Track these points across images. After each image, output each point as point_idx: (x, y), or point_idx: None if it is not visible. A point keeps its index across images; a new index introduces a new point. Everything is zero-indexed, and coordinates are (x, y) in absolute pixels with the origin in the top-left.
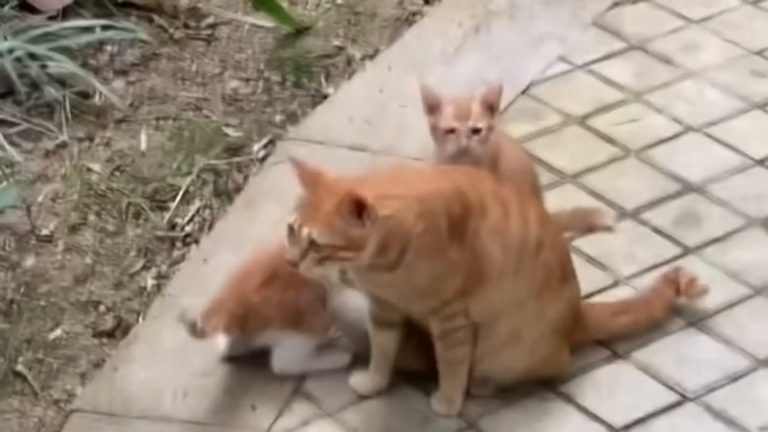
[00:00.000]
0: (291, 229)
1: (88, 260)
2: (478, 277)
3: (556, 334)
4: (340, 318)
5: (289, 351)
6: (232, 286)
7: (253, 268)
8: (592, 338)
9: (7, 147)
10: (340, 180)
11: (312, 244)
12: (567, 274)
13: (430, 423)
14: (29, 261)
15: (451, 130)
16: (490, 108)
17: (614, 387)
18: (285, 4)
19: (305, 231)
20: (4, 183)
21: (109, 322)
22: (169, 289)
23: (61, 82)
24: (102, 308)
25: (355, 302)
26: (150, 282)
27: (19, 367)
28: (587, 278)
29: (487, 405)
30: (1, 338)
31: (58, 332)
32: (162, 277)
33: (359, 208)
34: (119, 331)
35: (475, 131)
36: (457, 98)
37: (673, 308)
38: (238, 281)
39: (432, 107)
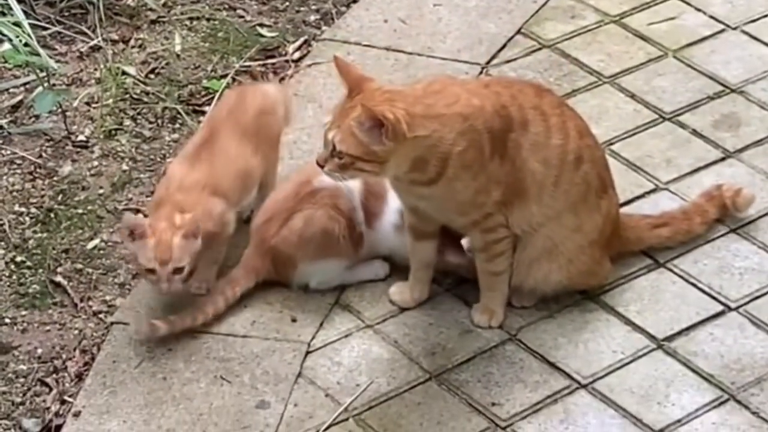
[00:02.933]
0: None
1: (125, 166)
2: (518, 190)
3: (594, 247)
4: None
5: (322, 274)
6: (252, 240)
7: (270, 213)
8: (630, 250)
9: (42, 52)
10: (379, 91)
11: (334, 149)
12: (605, 187)
13: (470, 335)
14: (66, 168)
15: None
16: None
17: (656, 297)
18: None
19: (330, 135)
20: (40, 88)
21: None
22: None
23: None
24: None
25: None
26: None
27: (58, 278)
28: (627, 183)
29: (528, 317)
30: (39, 248)
31: (96, 242)
32: None
33: (377, 124)
34: None
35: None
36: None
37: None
38: (257, 232)
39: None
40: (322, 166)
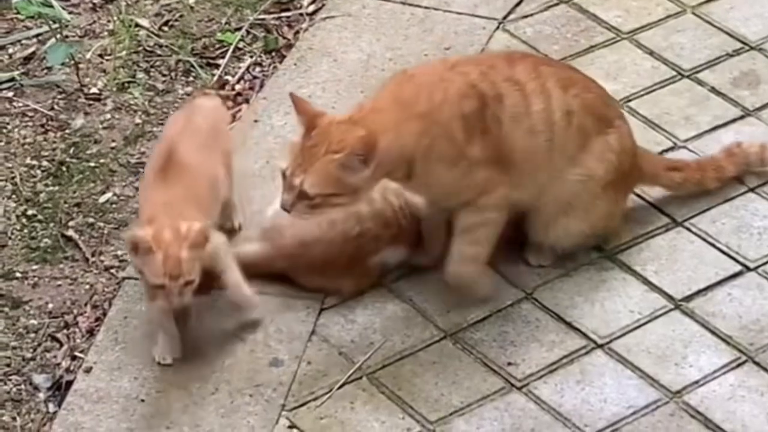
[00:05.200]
0: (284, 175)
1: (138, 120)
2: (506, 164)
3: (609, 189)
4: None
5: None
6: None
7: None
8: (644, 184)
9: (54, 3)
10: (337, 123)
11: (303, 193)
12: (609, 121)
13: None
14: (78, 121)
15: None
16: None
17: (674, 256)
18: None
19: (297, 180)
20: (52, 40)
21: None
22: None
23: None
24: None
25: None
26: None
27: (70, 232)
28: (645, 141)
29: (544, 276)
30: (50, 202)
31: (108, 195)
32: None
33: (367, 153)
34: None
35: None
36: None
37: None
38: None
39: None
40: (287, 211)
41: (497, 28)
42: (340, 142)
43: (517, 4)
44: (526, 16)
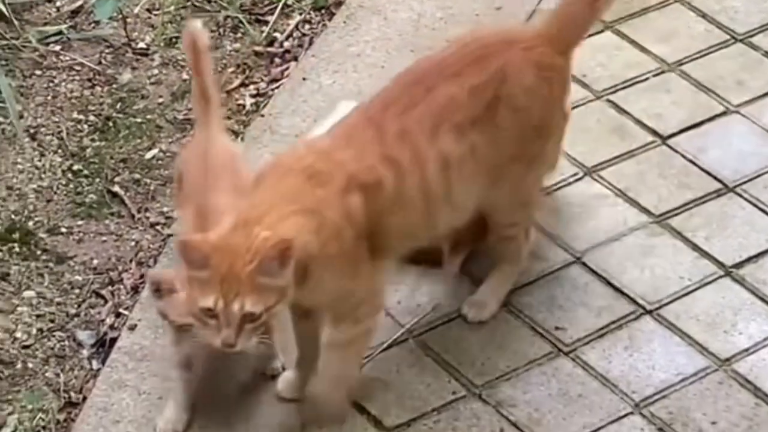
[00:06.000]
0: (212, 313)
1: (185, 75)
2: (375, 253)
3: (557, 146)
4: None
5: None
6: None
7: None
8: None
9: None
10: (230, 234)
11: (249, 316)
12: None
13: (534, 257)
14: (125, 75)
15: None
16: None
17: (725, 223)
18: None
19: (236, 307)
20: None
21: None
22: (268, 108)
23: None
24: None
25: None
26: (249, 100)
27: (116, 188)
28: (697, 105)
29: (593, 239)
30: (96, 157)
31: (154, 151)
32: (260, 95)
33: (286, 254)
34: None
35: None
36: None
37: None
38: None
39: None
40: (232, 347)
41: None
42: (248, 251)
43: None
44: None
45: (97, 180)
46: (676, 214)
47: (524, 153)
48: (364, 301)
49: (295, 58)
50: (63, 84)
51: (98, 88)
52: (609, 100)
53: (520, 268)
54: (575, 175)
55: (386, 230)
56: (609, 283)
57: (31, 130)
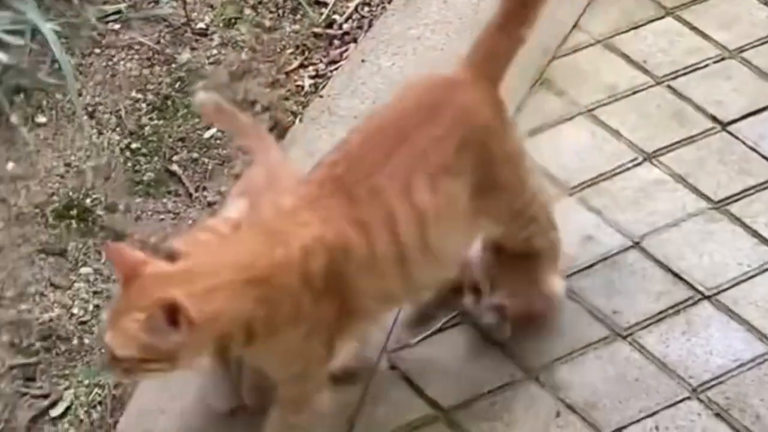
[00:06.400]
0: None
1: (244, 56)
2: (348, 314)
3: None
4: None
5: None
6: None
7: None
8: None
9: None
10: (157, 276)
11: (112, 355)
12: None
13: (591, 241)
14: (184, 55)
15: None
16: None
17: None
18: None
19: (108, 338)
20: None
21: (264, 122)
22: (326, 89)
23: None
24: (258, 107)
25: None
26: (307, 81)
27: (174, 167)
28: (759, 92)
29: (653, 224)
30: (155, 135)
31: (213, 131)
32: (319, 77)
33: (173, 315)
34: (276, 132)
35: None
36: None
37: None
38: None
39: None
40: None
41: None
42: (145, 299)
43: None
44: None
45: (155, 159)
46: (736, 201)
47: (503, 183)
48: (318, 359)
49: (354, 40)
50: (121, 63)
51: (157, 68)
52: (669, 86)
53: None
54: (634, 160)
55: (359, 294)
56: (667, 269)
57: (90, 108)
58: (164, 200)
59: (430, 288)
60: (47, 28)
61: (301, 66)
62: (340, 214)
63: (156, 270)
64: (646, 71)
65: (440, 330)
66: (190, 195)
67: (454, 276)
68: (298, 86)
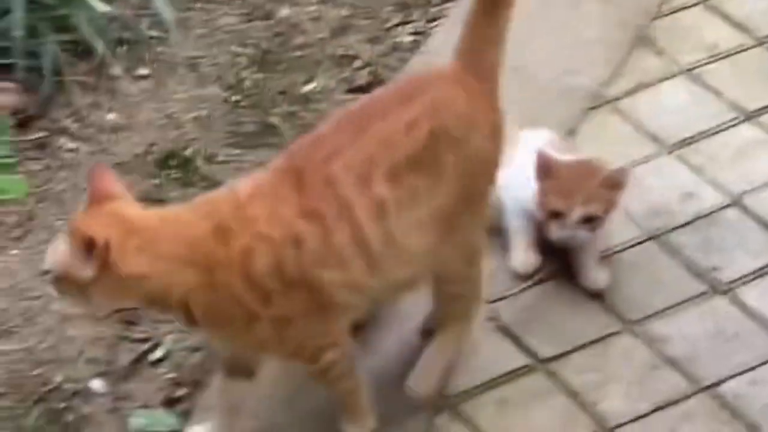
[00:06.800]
0: None
1: (345, 12)
2: (324, 307)
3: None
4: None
5: None
6: None
7: None
8: None
9: None
10: (111, 213)
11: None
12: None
13: (691, 198)
14: (284, 11)
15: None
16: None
17: None
18: None
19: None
20: None
21: (364, 78)
22: (426, 45)
23: None
24: (357, 63)
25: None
26: (407, 38)
27: (273, 119)
28: None
29: (753, 182)
30: (254, 89)
31: (312, 86)
32: (419, 34)
33: (86, 244)
34: (374, 87)
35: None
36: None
37: None
38: None
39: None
40: None
41: None
42: (85, 226)
43: None
44: None
45: (255, 111)
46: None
47: (471, 192)
48: (306, 347)
49: None
50: (221, 17)
51: (256, 22)
52: None
53: (470, 329)
54: (734, 119)
55: (324, 286)
56: (766, 226)
57: (190, 61)
58: (263, 152)
59: (412, 283)
60: None
61: (401, 23)
62: (291, 205)
63: (116, 208)
64: (746, 31)
65: (539, 282)
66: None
67: (433, 273)
68: (397, 43)
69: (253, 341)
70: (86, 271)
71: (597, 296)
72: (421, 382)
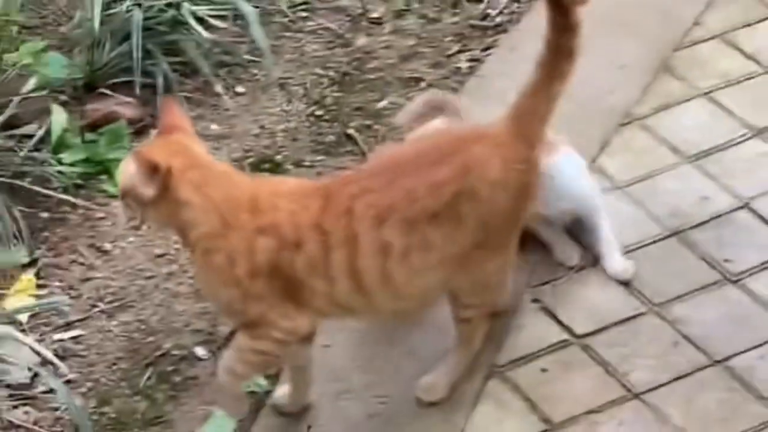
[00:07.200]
0: None
1: (411, 42)
2: (296, 302)
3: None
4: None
5: None
6: None
7: None
8: None
9: None
10: (179, 143)
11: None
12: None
13: (707, 201)
14: (360, 40)
15: None
16: None
17: None
18: None
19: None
20: None
21: None
22: (481, 70)
23: None
24: (423, 84)
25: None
26: (465, 64)
27: (351, 131)
28: None
29: (760, 188)
30: (335, 105)
31: (384, 103)
32: (475, 60)
33: (151, 168)
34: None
35: None
36: None
37: None
38: None
39: None
40: None
41: None
42: (154, 151)
43: None
44: None
45: (335, 124)
46: None
47: (489, 241)
48: (261, 325)
49: (505, 31)
50: (308, 44)
51: (337, 49)
52: None
53: (473, 352)
54: (744, 135)
55: (307, 289)
56: None
57: (281, 81)
58: (342, 158)
59: (393, 315)
60: (249, 11)
61: (460, 51)
62: (309, 215)
63: (184, 141)
64: (757, 62)
65: (579, 269)
66: (364, 154)
67: (429, 308)
68: (456, 68)
69: (219, 296)
70: (149, 190)
71: (625, 283)
72: (429, 391)
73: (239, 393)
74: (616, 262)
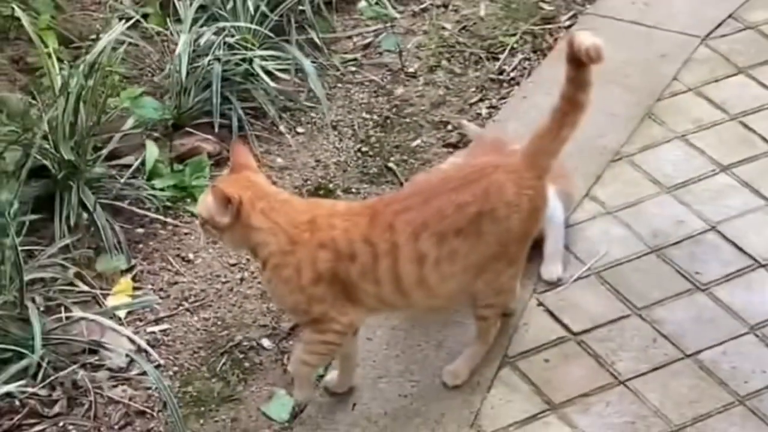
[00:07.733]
0: None
1: (441, 92)
2: (351, 300)
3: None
4: None
5: None
6: None
7: None
8: None
9: (389, 6)
10: (248, 180)
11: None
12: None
13: (682, 224)
14: (399, 90)
15: None
16: None
17: None
18: None
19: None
20: (384, 33)
21: (454, 137)
22: (498, 116)
23: None
24: (449, 127)
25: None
26: (484, 110)
27: (391, 165)
28: None
29: (725, 214)
30: (377, 143)
31: (418, 141)
32: (493, 108)
33: (225, 201)
34: (461, 143)
35: None
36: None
37: None
38: None
39: None
40: None
41: (700, 43)
42: (228, 186)
43: (716, 27)
44: (723, 35)
45: (378, 159)
46: None
47: (504, 254)
48: (323, 322)
49: (518, 84)
50: (356, 94)
51: (380, 98)
52: (740, 121)
53: (489, 345)
54: (713, 170)
55: (360, 290)
56: (735, 245)
57: (333, 123)
58: (383, 186)
59: (427, 309)
60: (308, 66)
61: (480, 100)
62: (359, 231)
63: (252, 177)
64: (724, 111)
65: (575, 280)
66: (401, 184)
67: (455, 306)
68: (478, 113)
69: (287, 300)
70: (224, 219)
71: (614, 289)
72: (453, 376)
73: (310, 381)
74: (548, 267)
